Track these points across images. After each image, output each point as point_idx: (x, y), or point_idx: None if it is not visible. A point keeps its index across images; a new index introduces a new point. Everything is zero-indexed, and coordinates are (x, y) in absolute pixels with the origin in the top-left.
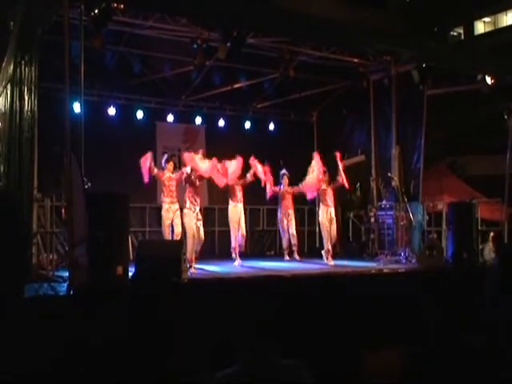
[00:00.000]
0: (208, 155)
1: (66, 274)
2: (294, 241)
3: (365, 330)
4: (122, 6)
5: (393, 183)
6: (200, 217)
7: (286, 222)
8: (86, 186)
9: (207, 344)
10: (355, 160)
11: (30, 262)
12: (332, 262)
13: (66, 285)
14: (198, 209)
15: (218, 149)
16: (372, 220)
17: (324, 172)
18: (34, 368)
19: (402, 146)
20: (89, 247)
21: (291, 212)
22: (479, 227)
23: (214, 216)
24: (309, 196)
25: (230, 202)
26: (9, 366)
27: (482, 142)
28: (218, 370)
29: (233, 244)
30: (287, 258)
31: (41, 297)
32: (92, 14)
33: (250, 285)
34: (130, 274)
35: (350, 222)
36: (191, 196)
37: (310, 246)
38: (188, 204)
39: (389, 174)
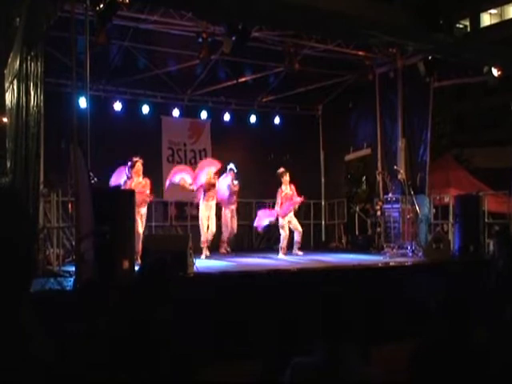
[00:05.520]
0: (213, 149)
1: (73, 268)
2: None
3: (372, 325)
4: (126, 1)
5: (399, 176)
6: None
7: (229, 216)
8: (93, 181)
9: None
10: (361, 153)
11: (36, 257)
12: (301, 253)
13: (72, 280)
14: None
15: (223, 143)
16: (378, 213)
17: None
18: (39, 364)
19: (408, 139)
20: (95, 242)
21: (234, 207)
22: (486, 220)
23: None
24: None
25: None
26: (15, 363)
27: (488, 134)
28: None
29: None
30: (224, 251)
31: (47, 292)
32: (97, 8)
33: (255, 279)
34: (136, 268)
35: (356, 215)
36: None
37: (315, 240)
38: None
39: (395, 167)
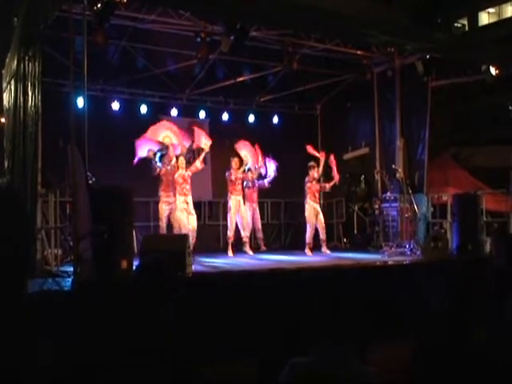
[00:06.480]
0: (212, 149)
1: (71, 269)
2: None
3: (371, 324)
4: (124, 0)
5: (397, 175)
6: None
7: (250, 214)
8: (90, 181)
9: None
10: (359, 152)
11: (34, 257)
12: (328, 251)
13: (70, 280)
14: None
15: (222, 143)
16: (376, 212)
17: (316, 170)
18: (38, 364)
19: (407, 138)
20: (93, 242)
21: (256, 205)
22: (484, 219)
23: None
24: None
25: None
26: (13, 363)
27: (487, 133)
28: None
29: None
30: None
31: (45, 292)
32: (95, 8)
33: (255, 278)
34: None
35: (355, 214)
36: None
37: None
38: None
39: (393, 166)
